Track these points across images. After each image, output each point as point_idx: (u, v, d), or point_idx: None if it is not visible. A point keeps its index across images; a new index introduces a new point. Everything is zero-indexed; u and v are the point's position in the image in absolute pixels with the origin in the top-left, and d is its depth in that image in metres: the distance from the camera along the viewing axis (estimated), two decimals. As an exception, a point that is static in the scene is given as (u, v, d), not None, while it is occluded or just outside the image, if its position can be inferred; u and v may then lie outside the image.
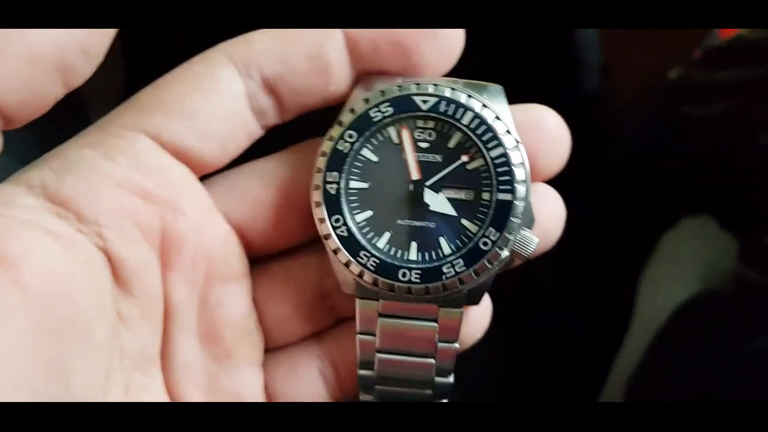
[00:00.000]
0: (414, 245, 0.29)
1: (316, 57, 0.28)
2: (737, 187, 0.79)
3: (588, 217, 0.80)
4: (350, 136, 0.29)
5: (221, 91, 0.28)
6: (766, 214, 0.77)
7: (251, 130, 0.30)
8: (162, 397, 0.29)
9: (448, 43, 0.29)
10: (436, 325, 0.30)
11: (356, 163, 0.30)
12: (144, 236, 0.28)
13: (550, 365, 0.79)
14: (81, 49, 0.24)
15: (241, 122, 0.29)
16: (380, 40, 0.28)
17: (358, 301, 0.30)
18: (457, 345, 0.30)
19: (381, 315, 0.30)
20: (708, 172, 0.81)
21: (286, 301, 0.32)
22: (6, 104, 0.23)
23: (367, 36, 0.28)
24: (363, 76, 0.30)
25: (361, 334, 0.31)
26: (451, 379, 0.31)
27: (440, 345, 0.30)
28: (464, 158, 0.29)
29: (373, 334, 0.31)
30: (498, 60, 0.31)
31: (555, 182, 0.31)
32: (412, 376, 0.31)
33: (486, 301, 0.31)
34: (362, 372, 0.31)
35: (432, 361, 0.31)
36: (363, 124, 0.29)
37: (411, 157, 0.29)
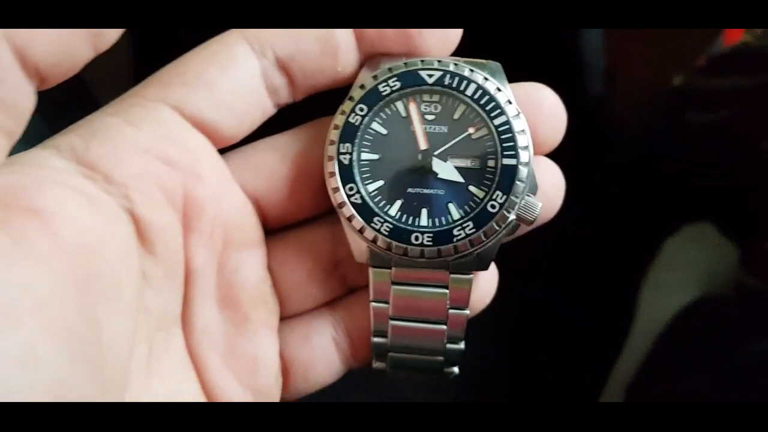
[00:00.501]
0: (424, 211, 0.30)
1: (325, 39, 0.30)
2: (739, 194, 0.80)
3: (590, 221, 0.80)
4: (361, 110, 0.31)
5: (237, 67, 0.30)
6: (766, 221, 0.77)
7: (265, 107, 0.31)
8: (183, 357, 0.30)
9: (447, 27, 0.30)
10: (447, 291, 0.31)
11: (367, 136, 0.31)
12: (167, 200, 0.28)
13: (551, 368, 0.79)
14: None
15: (256, 98, 0.30)
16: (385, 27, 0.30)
17: (371, 270, 0.31)
18: (467, 312, 0.31)
19: (394, 283, 0.31)
20: (710, 179, 0.81)
21: (299, 269, 0.32)
22: (42, 63, 0.24)
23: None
24: (369, 58, 0.31)
25: (374, 302, 0.32)
26: (462, 345, 0.32)
27: (451, 312, 0.31)
28: (470, 130, 0.31)
29: (387, 302, 0.32)
30: (503, 64, 0.32)
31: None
32: (424, 342, 0.32)
33: (493, 268, 0.32)
34: (376, 339, 0.32)
35: (444, 327, 0.32)
36: (372, 98, 0.31)
37: (419, 129, 0.31)
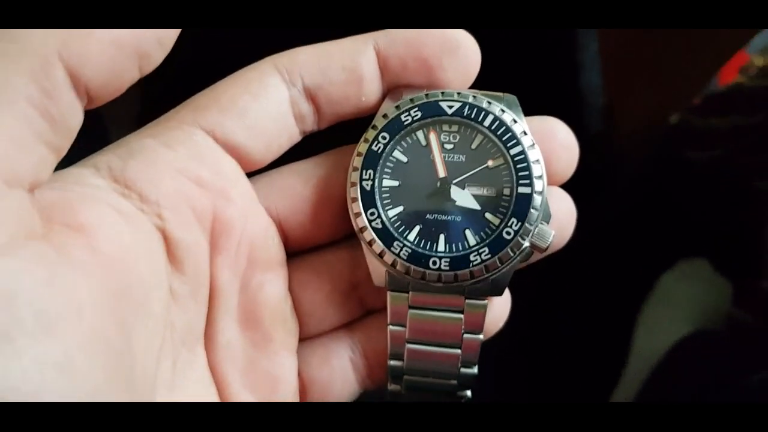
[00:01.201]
0: (442, 237, 0.31)
1: (350, 69, 0.31)
2: (733, 231, 0.81)
3: (587, 256, 0.81)
4: (383, 138, 0.32)
5: (269, 95, 0.31)
6: (760, 258, 0.78)
7: (292, 133, 0.32)
8: (205, 374, 0.31)
9: (467, 60, 0.32)
10: (462, 316, 0.32)
11: (388, 163, 0.32)
12: (197, 220, 0.29)
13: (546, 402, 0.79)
14: (156, 38, 0.26)
15: (285, 125, 0.32)
16: (407, 57, 0.31)
17: (389, 294, 0.32)
18: (481, 336, 0.32)
19: (411, 307, 0.32)
20: (705, 216, 0.83)
21: (319, 291, 0.33)
22: (92, 84, 0.25)
23: (395, 52, 0.31)
24: (392, 88, 0.33)
25: (392, 325, 0.33)
26: (475, 370, 0.33)
27: (466, 336, 0.32)
28: (488, 161, 0.32)
29: (403, 326, 0.32)
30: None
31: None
32: (439, 366, 0.33)
33: (506, 294, 0.33)
34: (392, 362, 0.33)
35: (458, 351, 0.32)
36: (394, 127, 0.32)
37: (438, 157, 0.32)
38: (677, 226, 0.85)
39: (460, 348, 0.32)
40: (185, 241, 0.29)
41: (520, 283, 0.34)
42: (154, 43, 0.26)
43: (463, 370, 0.33)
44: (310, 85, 0.31)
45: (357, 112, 0.33)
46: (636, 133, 0.87)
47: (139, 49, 0.26)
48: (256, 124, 0.31)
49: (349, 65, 0.31)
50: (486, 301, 0.32)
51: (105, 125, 0.65)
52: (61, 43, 0.24)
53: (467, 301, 0.32)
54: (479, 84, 0.33)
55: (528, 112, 0.33)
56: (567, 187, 0.34)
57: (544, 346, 0.82)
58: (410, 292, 0.32)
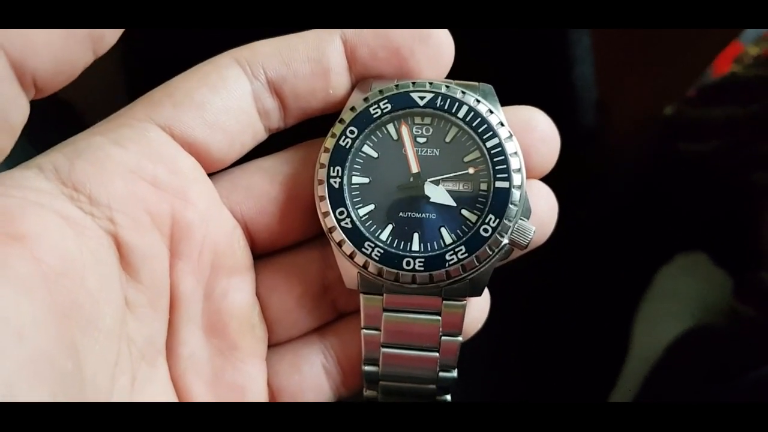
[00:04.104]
0: (416, 236, 0.30)
1: (316, 60, 0.30)
2: (731, 224, 0.80)
3: (584, 252, 0.80)
4: (351, 132, 0.30)
5: (229, 88, 0.29)
6: (758, 250, 0.77)
7: (256, 131, 0.31)
8: (167, 388, 0.29)
9: (440, 48, 0.30)
10: (439, 318, 0.31)
11: (357, 159, 0.31)
12: (154, 223, 0.28)
13: (544, 400, 0.78)
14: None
15: (248, 120, 0.30)
16: (377, 45, 0.30)
17: (362, 297, 0.31)
18: (460, 339, 0.31)
19: (385, 310, 0.31)
20: (702, 209, 0.82)
21: (289, 294, 0.32)
22: (40, 73, 0.23)
23: (364, 41, 0.30)
24: (361, 80, 0.31)
25: (365, 329, 0.31)
26: (454, 373, 0.31)
27: (444, 339, 0.31)
28: (471, 170, 0.30)
29: (378, 329, 0.31)
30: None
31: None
32: (416, 371, 0.31)
33: (485, 293, 0.32)
34: (367, 368, 0.32)
35: (436, 355, 0.31)
36: (363, 121, 0.30)
37: (410, 152, 0.31)
38: (674, 219, 0.84)
39: (438, 351, 0.31)
40: (140, 247, 0.27)
41: (517, 280, 0.33)
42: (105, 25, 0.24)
43: (441, 374, 0.31)
44: (274, 78, 0.30)
45: (325, 106, 0.31)
46: (631, 126, 0.86)
47: (92, 32, 0.23)
48: (216, 120, 0.29)
49: (315, 56, 0.30)
50: (464, 302, 0.30)
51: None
52: (2, 32, 0.21)
53: (444, 302, 0.30)
54: (471, 78, 0.31)
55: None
56: (561, 181, 0.33)
57: (542, 344, 0.81)
58: (384, 294, 0.30)
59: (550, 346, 0.81)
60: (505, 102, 0.31)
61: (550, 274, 0.76)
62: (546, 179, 0.32)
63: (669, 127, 0.83)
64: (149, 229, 0.28)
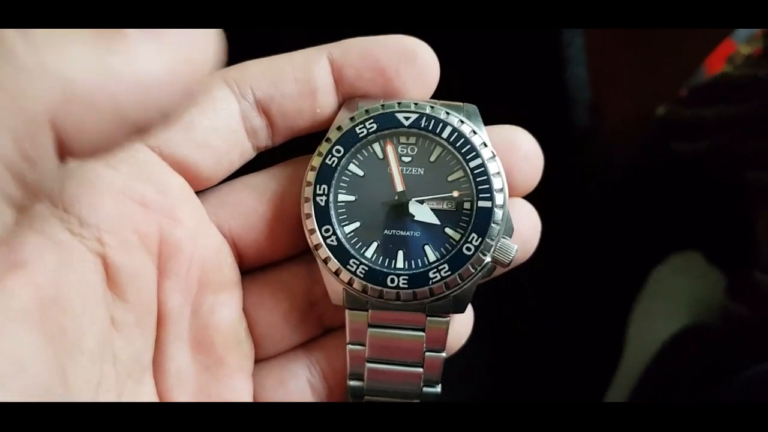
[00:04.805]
0: (401, 254, 0.31)
1: (303, 81, 0.30)
2: (725, 223, 0.80)
3: (578, 252, 0.80)
4: (338, 151, 0.31)
5: (217, 109, 0.30)
6: (752, 249, 0.78)
7: (244, 149, 0.31)
8: None
9: (425, 67, 0.31)
10: (423, 334, 0.31)
11: (344, 177, 0.31)
12: (142, 243, 0.28)
13: (540, 400, 0.78)
14: (161, 113, 0.24)
15: (236, 140, 0.30)
16: (363, 66, 0.30)
17: (347, 312, 0.31)
18: (443, 354, 0.31)
19: (370, 325, 0.31)
20: (696, 208, 0.82)
21: (275, 309, 0.32)
22: (78, 150, 0.22)
23: (350, 62, 0.30)
24: (347, 99, 0.32)
25: (351, 344, 0.32)
26: (438, 389, 0.32)
27: (428, 354, 0.31)
28: (455, 194, 0.31)
29: (363, 345, 0.31)
30: (490, 99, 0.32)
31: (546, 217, 0.33)
32: (401, 386, 0.32)
33: (469, 310, 0.32)
34: (352, 383, 0.32)
35: (420, 370, 0.31)
36: (349, 140, 0.31)
37: (395, 170, 0.31)
38: (668, 219, 0.84)
39: (422, 366, 0.31)
40: (128, 267, 0.28)
41: (514, 280, 0.33)
42: (158, 117, 0.22)
43: (425, 389, 0.32)
44: (262, 98, 0.30)
45: (312, 125, 0.32)
46: (623, 127, 0.86)
47: (141, 122, 0.22)
48: (205, 139, 0.30)
49: (302, 76, 0.30)
50: (448, 318, 0.31)
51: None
52: (57, 107, 0.20)
53: (428, 318, 0.31)
54: (467, 80, 0.32)
55: (515, 109, 0.32)
56: (555, 182, 0.33)
57: (537, 344, 0.81)
58: (369, 310, 0.31)
59: (545, 346, 0.81)
60: (499, 106, 0.32)
61: (546, 273, 0.76)
62: (539, 181, 0.32)
63: (662, 127, 0.83)
64: (137, 249, 0.28)
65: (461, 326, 0.32)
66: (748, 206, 0.77)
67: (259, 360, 0.33)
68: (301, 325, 0.33)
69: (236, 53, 0.30)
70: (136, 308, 0.28)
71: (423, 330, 0.31)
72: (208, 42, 0.22)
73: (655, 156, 0.85)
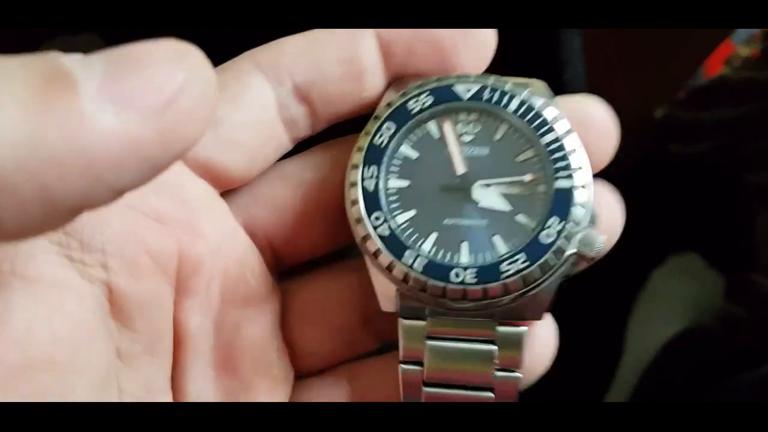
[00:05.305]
0: (465, 246, 0.26)
1: (348, 61, 0.26)
2: (723, 225, 0.80)
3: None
4: (388, 128, 0.27)
5: (250, 100, 0.26)
6: (751, 251, 0.78)
7: (280, 143, 0.27)
8: None
9: (483, 40, 0.27)
10: (494, 348, 0.26)
11: (395, 160, 0.27)
12: (157, 264, 0.25)
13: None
14: None
15: (271, 133, 0.27)
16: (415, 41, 0.27)
17: (401, 323, 0.27)
18: (519, 375, 0.27)
19: (429, 338, 0.26)
20: (694, 210, 0.82)
21: (321, 325, 0.28)
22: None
23: (401, 37, 0.27)
24: (396, 78, 0.28)
25: (404, 363, 0.27)
26: None
27: (499, 375, 0.26)
28: (527, 177, 0.27)
29: (419, 365, 0.27)
30: None
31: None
32: None
33: (550, 318, 0.28)
34: None
35: (490, 395, 0.27)
36: (401, 117, 0.27)
37: (455, 150, 0.27)
38: (667, 221, 0.84)
39: (492, 391, 0.26)
40: (136, 294, 0.24)
41: None
42: (109, 195, 0.18)
43: None
44: (301, 82, 0.26)
45: (357, 109, 0.28)
46: (622, 128, 0.86)
47: (82, 204, 0.18)
48: (235, 135, 0.26)
49: (347, 56, 0.26)
50: (525, 328, 0.26)
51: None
52: None
53: (499, 328, 0.26)
54: None
55: None
56: None
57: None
58: (428, 319, 0.26)
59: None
60: None
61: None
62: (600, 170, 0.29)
63: (660, 130, 0.83)
64: (148, 272, 0.24)
65: (544, 340, 0.28)
66: (746, 208, 0.77)
67: (298, 377, 0.29)
68: (349, 343, 0.29)
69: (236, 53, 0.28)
70: (145, 336, 0.25)
71: (494, 342, 0.26)
72: (195, 85, 0.18)
73: (653, 158, 0.85)
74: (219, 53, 0.27)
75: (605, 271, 0.80)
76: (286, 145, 0.28)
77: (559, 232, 0.25)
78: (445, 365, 0.27)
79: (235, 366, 0.27)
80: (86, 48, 0.21)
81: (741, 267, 0.78)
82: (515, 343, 0.26)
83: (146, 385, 0.25)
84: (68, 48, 0.20)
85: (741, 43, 0.78)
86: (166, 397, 0.26)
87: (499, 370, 0.26)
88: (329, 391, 0.28)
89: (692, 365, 0.72)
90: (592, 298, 0.81)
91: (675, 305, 0.81)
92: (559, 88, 0.74)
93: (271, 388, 0.27)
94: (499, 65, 0.67)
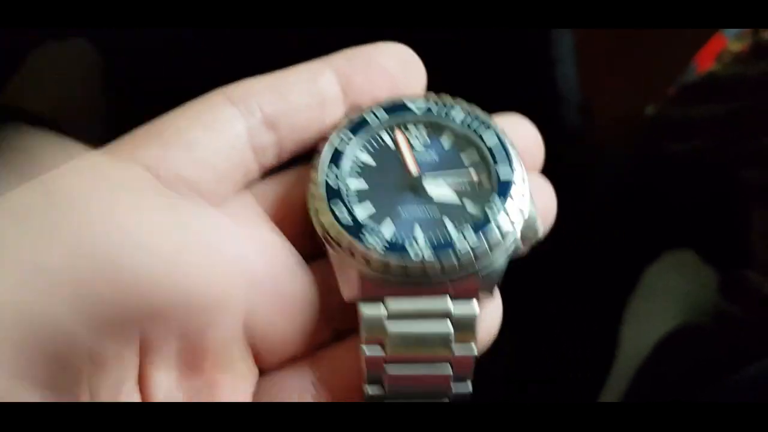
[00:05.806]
0: (420, 229, 0.29)
1: (313, 92, 0.29)
2: (717, 222, 0.81)
3: (570, 251, 0.80)
4: (346, 134, 0.30)
5: (222, 128, 0.28)
6: (745, 248, 0.78)
7: (249, 170, 0.29)
8: None
9: (421, 68, 0.31)
10: (449, 322, 0.28)
11: (353, 165, 0.30)
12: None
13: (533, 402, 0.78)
14: None
15: (240, 158, 0.28)
16: (370, 72, 0.30)
17: (362, 306, 0.28)
18: (473, 346, 0.29)
19: (390, 317, 0.28)
20: (689, 207, 0.82)
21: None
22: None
23: (356, 70, 0.30)
24: (354, 106, 0.31)
25: (366, 344, 0.28)
26: (469, 385, 0.29)
27: (456, 347, 0.28)
28: (473, 172, 0.30)
29: (381, 344, 0.28)
30: (478, 98, 0.32)
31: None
32: (428, 387, 0.29)
33: (497, 295, 0.30)
34: (370, 391, 0.29)
35: (448, 366, 0.29)
36: (358, 126, 0.30)
37: (408, 155, 0.30)
38: (661, 217, 0.84)
39: (450, 362, 0.29)
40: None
41: (505, 280, 0.31)
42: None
43: (456, 383, 0.29)
44: (270, 112, 0.28)
45: (317, 138, 0.30)
46: (614, 126, 0.87)
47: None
48: (207, 157, 0.27)
49: (311, 88, 0.29)
50: (476, 310, 0.28)
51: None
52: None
53: (454, 302, 0.28)
54: (456, 80, 0.33)
55: (504, 109, 0.32)
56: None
57: (529, 344, 0.81)
58: (386, 300, 0.28)
59: (537, 344, 0.81)
60: (487, 103, 0.32)
61: (538, 273, 0.76)
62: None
63: (652, 127, 0.84)
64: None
65: (490, 317, 0.30)
66: (740, 205, 0.78)
67: (261, 371, 0.30)
68: (313, 334, 0.29)
69: (236, 54, 0.29)
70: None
71: (449, 317, 0.28)
72: None
73: (646, 155, 0.85)
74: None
75: (599, 267, 0.80)
76: (254, 173, 0.29)
77: (504, 217, 0.29)
78: (405, 342, 0.29)
79: (200, 366, 0.27)
80: (74, 53, 0.21)
81: (735, 264, 0.78)
82: (469, 316, 0.29)
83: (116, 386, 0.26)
84: (56, 53, 0.19)
85: (732, 38, 0.78)
86: (132, 398, 0.26)
87: (456, 341, 0.29)
88: (294, 382, 0.29)
89: (687, 362, 0.73)
90: (586, 294, 0.81)
91: (669, 302, 0.81)
92: (551, 86, 0.75)
93: (234, 385, 0.28)
94: (493, 64, 0.67)
